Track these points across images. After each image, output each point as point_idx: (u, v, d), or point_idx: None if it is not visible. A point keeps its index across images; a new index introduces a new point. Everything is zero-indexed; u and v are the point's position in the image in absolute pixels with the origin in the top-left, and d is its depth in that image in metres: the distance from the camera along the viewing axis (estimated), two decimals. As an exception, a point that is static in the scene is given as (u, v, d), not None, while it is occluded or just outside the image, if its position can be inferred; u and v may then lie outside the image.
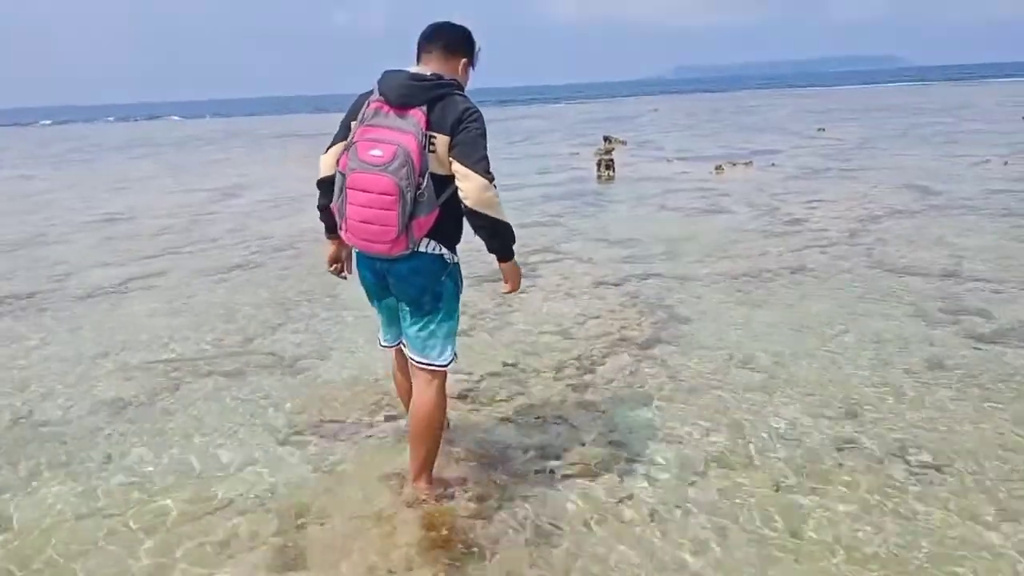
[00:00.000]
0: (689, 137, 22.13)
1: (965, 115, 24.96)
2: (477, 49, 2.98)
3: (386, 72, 2.77)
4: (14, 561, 2.83)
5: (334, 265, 3.30)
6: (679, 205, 10.18)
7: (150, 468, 3.50)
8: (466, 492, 3.15)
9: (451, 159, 2.69)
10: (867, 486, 3.11)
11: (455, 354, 3.05)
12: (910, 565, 2.61)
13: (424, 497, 3.09)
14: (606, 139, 19.63)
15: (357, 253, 3.01)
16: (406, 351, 3.06)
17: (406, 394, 3.26)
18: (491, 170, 2.71)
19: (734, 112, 35.09)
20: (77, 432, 3.92)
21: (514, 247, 2.93)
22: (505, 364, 4.60)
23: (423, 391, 3.00)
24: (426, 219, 2.70)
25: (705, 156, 15.94)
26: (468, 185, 2.67)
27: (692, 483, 3.20)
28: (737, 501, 3.04)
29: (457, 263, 2.98)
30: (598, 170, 13.56)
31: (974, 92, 43.97)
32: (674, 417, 3.80)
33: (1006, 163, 12.54)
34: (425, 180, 2.64)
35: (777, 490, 3.11)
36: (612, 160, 13.84)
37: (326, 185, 2.93)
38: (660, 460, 3.39)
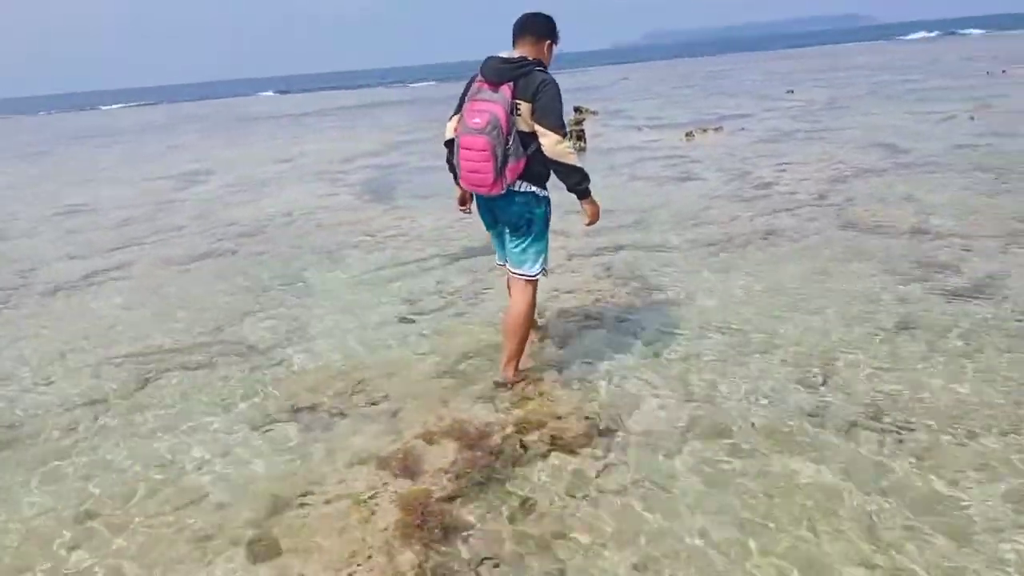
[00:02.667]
0: (660, 104, 22.06)
1: (931, 71, 25.10)
2: (558, 30, 3.81)
3: (487, 58, 3.64)
4: (-16, 566, 2.77)
5: (462, 206, 4.13)
6: (650, 174, 10.16)
7: (121, 464, 3.45)
8: (444, 472, 3.13)
9: (533, 121, 3.53)
10: (840, 448, 3.14)
11: (545, 269, 3.90)
12: (882, 523, 2.64)
13: (511, 381, 3.95)
14: (576, 109, 19.48)
15: (475, 195, 3.86)
16: (510, 266, 3.92)
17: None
18: (564, 126, 3.59)
19: (704, 78, 35.00)
20: (48, 431, 3.85)
21: (589, 186, 3.71)
22: (481, 341, 4.57)
23: (518, 296, 3.91)
24: (515, 165, 3.56)
25: (676, 123, 15.90)
26: (546, 140, 3.54)
27: (669, 452, 3.20)
28: (713, 468, 3.06)
29: (546, 196, 3.78)
30: (568, 141, 13.45)
31: (939, 47, 44.19)
32: (650, 387, 3.81)
33: (972, 118, 12.63)
34: (512, 137, 3.51)
35: (752, 456, 3.12)
36: (583, 131, 13.74)
37: (449, 145, 3.79)
38: (637, 431, 3.39)
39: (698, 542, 2.62)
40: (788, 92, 21.40)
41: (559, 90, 3.55)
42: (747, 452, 3.15)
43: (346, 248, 7.31)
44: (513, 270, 3.89)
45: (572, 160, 3.60)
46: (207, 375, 4.41)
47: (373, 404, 3.84)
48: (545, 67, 3.65)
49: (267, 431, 3.66)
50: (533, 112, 3.51)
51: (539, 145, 3.55)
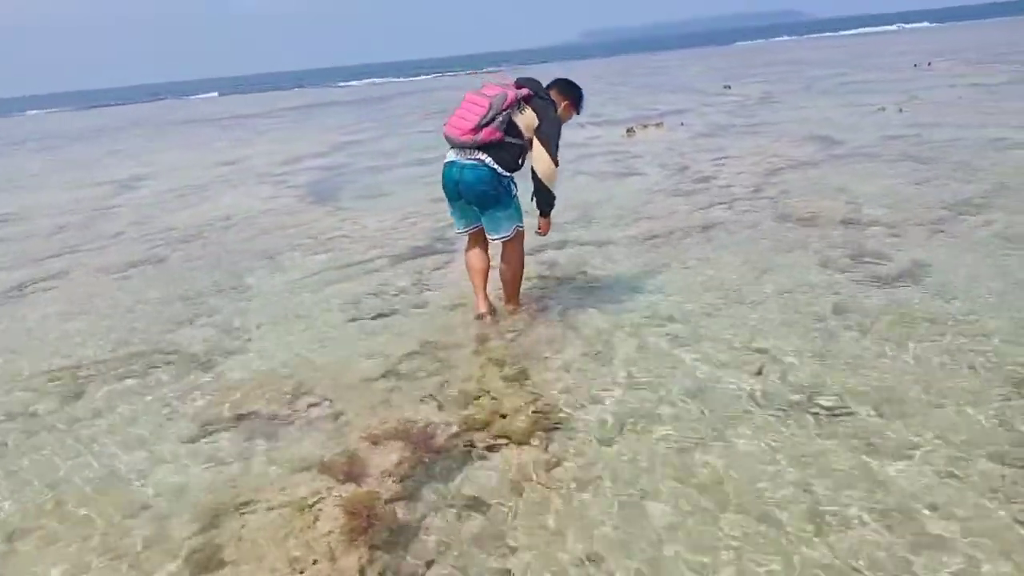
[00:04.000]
0: (600, 101, 22.23)
1: (864, 65, 25.85)
2: (583, 102, 4.67)
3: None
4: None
5: None
6: (592, 170, 10.24)
7: (57, 480, 3.35)
8: (389, 475, 3.12)
9: (535, 138, 4.29)
10: (778, 432, 3.22)
11: (519, 226, 4.56)
12: (818, 503, 2.72)
13: (514, 311, 4.82)
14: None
15: (444, 166, 4.43)
16: (487, 233, 4.60)
17: (473, 269, 4.81)
18: (558, 156, 4.35)
19: (643, 74, 35.45)
20: (-26, 449, 3.71)
21: (551, 210, 4.57)
22: (426, 341, 4.56)
23: (505, 252, 4.67)
24: (490, 132, 4.21)
25: (616, 119, 16.07)
26: (542, 163, 4.28)
27: (614, 444, 3.24)
28: (658, 457, 3.10)
29: (510, 177, 4.39)
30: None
31: (872, 42, 45.53)
32: (595, 381, 3.84)
33: (901, 110, 13.06)
34: (504, 115, 4.22)
35: (697, 444, 3.18)
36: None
37: None
38: (582, 425, 3.42)
39: (647, 533, 2.65)
40: (725, 87, 21.80)
41: (561, 129, 4.41)
42: (692, 440, 3.21)
43: (288, 251, 7.21)
44: (492, 236, 4.56)
45: (553, 187, 4.42)
46: (145, 385, 4.31)
47: (315, 408, 3.81)
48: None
49: (207, 440, 3.59)
50: (538, 129, 4.29)
51: (519, 140, 4.30)
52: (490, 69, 61.88)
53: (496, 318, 4.76)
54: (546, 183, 4.32)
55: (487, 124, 4.18)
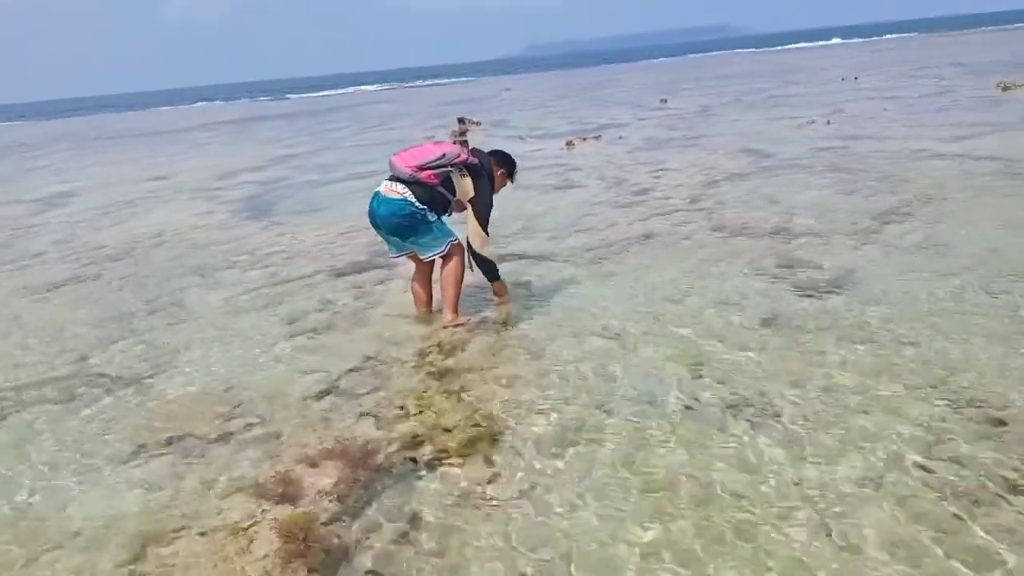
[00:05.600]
0: (541, 115, 22.44)
1: (793, 79, 26.68)
2: (516, 172, 5.12)
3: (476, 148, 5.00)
4: None
5: None
6: (533, 183, 10.30)
7: (-27, 512, 3.19)
8: (327, 494, 3.06)
9: (469, 210, 4.77)
10: (714, 437, 3.26)
11: (452, 240, 4.78)
12: (752, 507, 2.76)
13: (455, 325, 4.82)
14: (460, 120, 19.60)
15: (371, 197, 4.70)
16: (420, 256, 4.81)
17: (416, 298, 5.15)
18: (488, 226, 4.82)
19: (583, 88, 35.90)
20: None
21: (499, 274, 5.09)
22: (366, 357, 4.50)
23: (443, 264, 4.82)
24: (428, 175, 4.58)
25: (557, 133, 16.23)
26: (472, 230, 4.78)
27: (554, 455, 3.24)
28: (600, 468, 3.11)
29: (424, 211, 4.63)
30: (452, 152, 13.49)
31: (803, 57, 47.01)
32: (535, 394, 3.84)
33: (828, 122, 13.51)
34: (444, 170, 4.63)
35: (635, 452, 3.20)
36: (466, 141, 13.78)
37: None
38: (523, 437, 3.41)
39: (591, 544, 2.65)
40: (662, 101, 22.22)
41: (492, 205, 4.86)
42: (630, 449, 3.22)
43: (223, 268, 7.05)
44: (425, 256, 4.79)
45: (486, 253, 4.84)
46: (71, 409, 4.14)
47: (251, 429, 3.72)
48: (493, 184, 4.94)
49: (137, 464, 3.47)
50: (472, 202, 4.74)
51: (450, 195, 4.70)
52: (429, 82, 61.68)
53: (431, 310, 5.14)
54: (479, 252, 4.78)
55: (430, 168, 4.56)
